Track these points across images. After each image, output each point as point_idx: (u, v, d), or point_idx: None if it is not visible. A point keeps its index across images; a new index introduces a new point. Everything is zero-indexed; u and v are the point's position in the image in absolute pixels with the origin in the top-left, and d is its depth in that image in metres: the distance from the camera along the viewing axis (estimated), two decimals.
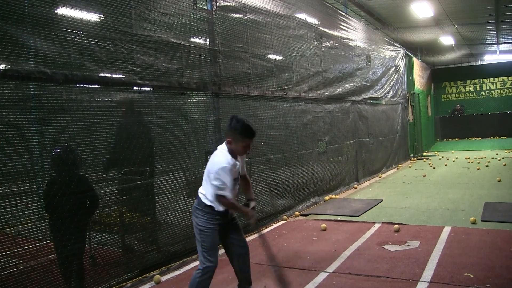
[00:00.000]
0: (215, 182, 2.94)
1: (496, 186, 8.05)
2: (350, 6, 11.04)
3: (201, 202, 3.08)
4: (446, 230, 5.17)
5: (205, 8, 5.07)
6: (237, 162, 3.03)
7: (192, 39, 4.95)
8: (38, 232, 3.27)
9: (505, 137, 17.59)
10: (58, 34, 3.45)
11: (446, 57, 18.69)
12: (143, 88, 4.32)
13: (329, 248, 4.74)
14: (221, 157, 2.98)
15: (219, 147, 3.10)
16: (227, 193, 2.96)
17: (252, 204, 3.20)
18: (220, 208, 3.04)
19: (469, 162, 12.09)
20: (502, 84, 19.68)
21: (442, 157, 14.19)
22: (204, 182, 3.10)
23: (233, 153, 3.02)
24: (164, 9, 4.48)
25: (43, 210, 3.36)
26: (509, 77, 19.38)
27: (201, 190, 3.12)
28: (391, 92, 11.64)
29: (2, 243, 3.08)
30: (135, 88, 4.23)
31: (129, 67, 4.08)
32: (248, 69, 5.80)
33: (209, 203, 3.05)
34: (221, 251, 3.32)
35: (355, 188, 8.81)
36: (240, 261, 3.27)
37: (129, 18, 4.10)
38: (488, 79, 19.87)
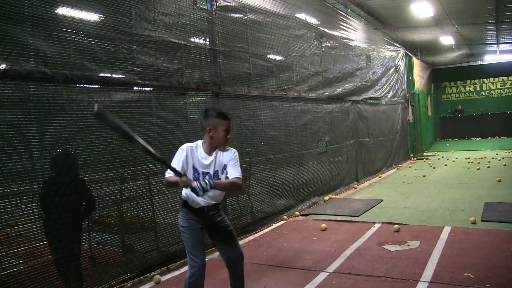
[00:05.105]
0: None
1: (496, 186, 8.05)
2: (350, 6, 11.04)
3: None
4: (446, 230, 5.17)
5: (205, 8, 5.07)
6: (209, 157, 2.96)
7: (192, 39, 4.95)
8: (38, 232, 3.27)
9: (505, 137, 17.57)
10: (58, 34, 3.45)
11: (446, 57, 18.67)
12: (143, 88, 4.32)
13: (329, 248, 4.74)
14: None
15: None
16: (166, 174, 2.89)
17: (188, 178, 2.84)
18: (195, 201, 2.96)
19: (469, 162, 12.09)
20: (502, 84, 19.69)
21: (442, 157, 14.19)
22: None
23: (211, 145, 2.98)
24: (164, 9, 4.48)
25: (41, 210, 3.35)
26: (509, 77, 19.38)
27: None
28: (391, 92, 11.65)
29: (2, 243, 3.08)
30: (135, 88, 4.23)
31: (129, 67, 4.08)
32: (248, 69, 5.80)
33: (184, 197, 3.04)
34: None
35: (355, 188, 8.81)
36: (231, 267, 3.13)
37: (129, 18, 4.10)
38: (488, 79, 19.87)
